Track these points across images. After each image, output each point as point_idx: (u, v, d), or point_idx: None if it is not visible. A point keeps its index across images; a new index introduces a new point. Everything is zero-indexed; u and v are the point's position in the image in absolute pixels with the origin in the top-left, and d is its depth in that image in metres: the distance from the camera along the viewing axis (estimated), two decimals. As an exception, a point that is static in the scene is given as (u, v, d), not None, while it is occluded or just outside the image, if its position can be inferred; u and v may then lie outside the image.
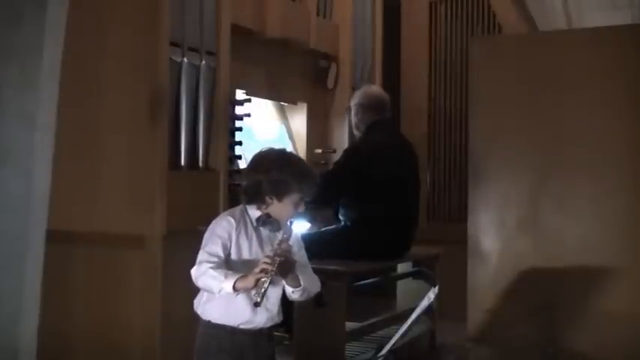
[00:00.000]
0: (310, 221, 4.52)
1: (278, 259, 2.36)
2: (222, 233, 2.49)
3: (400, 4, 6.01)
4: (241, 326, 2.50)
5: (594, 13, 5.34)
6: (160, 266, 3.42)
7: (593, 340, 3.46)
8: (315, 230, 4.41)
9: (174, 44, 3.54)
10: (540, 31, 5.52)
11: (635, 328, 3.40)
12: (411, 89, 5.94)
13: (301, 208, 2.54)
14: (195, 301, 2.58)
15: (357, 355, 3.96)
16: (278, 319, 2.60)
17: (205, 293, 2.53)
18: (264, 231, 2.55)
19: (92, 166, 3.56)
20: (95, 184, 3.55)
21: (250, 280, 2.35)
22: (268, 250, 2.45)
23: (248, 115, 4.09)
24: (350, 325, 3.87)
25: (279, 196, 2.50)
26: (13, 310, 2.65)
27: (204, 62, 3.68)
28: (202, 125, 3.65)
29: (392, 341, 2.65)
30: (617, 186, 3.48)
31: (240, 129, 4.06)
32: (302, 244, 2.64)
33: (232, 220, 2.52)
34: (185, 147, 3.58)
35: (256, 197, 2.53)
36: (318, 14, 4.93)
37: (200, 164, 3.65)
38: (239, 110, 4.08)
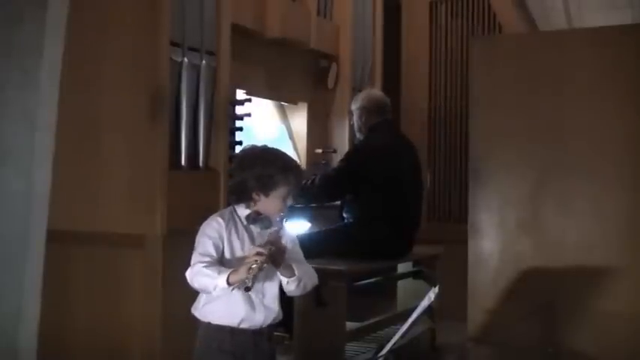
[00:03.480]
0: (311, 221, 4.53)
1: (269, 246, 2.35)
2: (212, 234, 2.50)
3: (400, 4, 6.01)
4: (241, 326, 2.50)
5: (594, 13, 5.35)
6: (160, 266, 3.41)
7: (593, 340, 3.46)
8: (316, 230, 4.42)
9: (174, 44, 3.54)
10: (540, 31, 5.52)
11: (635, 327, 3.40)
12: (411, 89, 5.94)
13: (290, 202, 2.53)
14: (194, 306, 2.58)
15: (357, 355, 3.96)
16: (278, 317, 2.59)
17: (203, 296, 2.52)
18: (255, 229, 2.54)
19: (92, 166, 3.56)
20: (95, 184, 3.55)
21: (242, 271, 2.34)
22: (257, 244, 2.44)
23: (248, 115, 4.09)
24: (350, 325, 3.87)
25: (266, 191, 2.49)
26: (13, 310, 2.65)
27: (204, 62, 3.68)
28: (202, 125, 3.64)
29: (392, 341, 2.65)
30: (618, 186, 3.48)
31: (240, 129, 4.06)
32: (296, 241, 2.63)
33: (221, 221, 2.52)
34: (185, 147, 3.58)
35: (243, 195, 2.52)
36: (318, 14, 4.93)
37: (200, 164, 3.65)
38: (239, 110, 4.08)
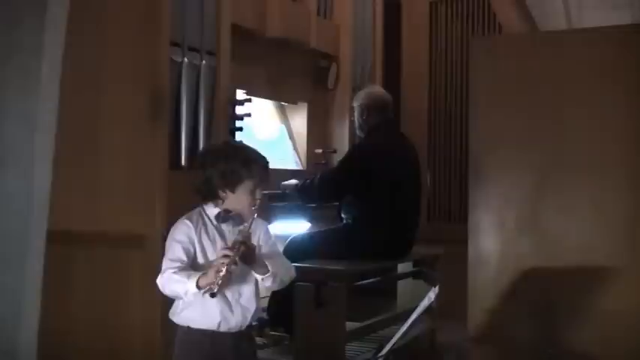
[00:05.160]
0: (311, 221, 4.52)
1: (237, 247, 2.29)
2: (181, 237, 2.43)
3: (400, 4, 6.02)
4: (220, 329, 2.43)
5: (594, 13, 5.35)
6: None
7: (593, 340, 3.46)
8: (316, 230, 4.42)
9: (174, 44, 3.54)
10: (540, 31, 5.52)
11: (636, 327, 3.40)
12: (411, 89, 5.94)
13: (259, 195, 2.45)
14: (171, 311, 2.51)
15: (357, 355, 3.96)
16: (256, 316, 2.53)
17: (181, 302, 2.45)
18: (227, 227, 2.47)
19: (92, 166, 3.56)
20: (95, 184, 3.55)
21: (211, 274, 2.28)
22: (230, 243, 2.37)
23: (248, 115, 4.09)
24: (350, 325, 3.87)
25: (232, 187, 2.42)
26: (13, 310, 2.65)
27: (204, 62, 3.68)
28: (202, 125, 3.65)
29: (392, 341, 2.64)
30: (618, 186, 3.48)
31: (240, 129, 4.06)
32: (270, 234, 2.57)
33: (189, 223, 2.45)
34: (185, 147, 3.58)
35: (210, 194, 2.45)
36: (318, 14, 4.94)
37: (200, 164, 3.65)
38: (239, 110, 4.08)
